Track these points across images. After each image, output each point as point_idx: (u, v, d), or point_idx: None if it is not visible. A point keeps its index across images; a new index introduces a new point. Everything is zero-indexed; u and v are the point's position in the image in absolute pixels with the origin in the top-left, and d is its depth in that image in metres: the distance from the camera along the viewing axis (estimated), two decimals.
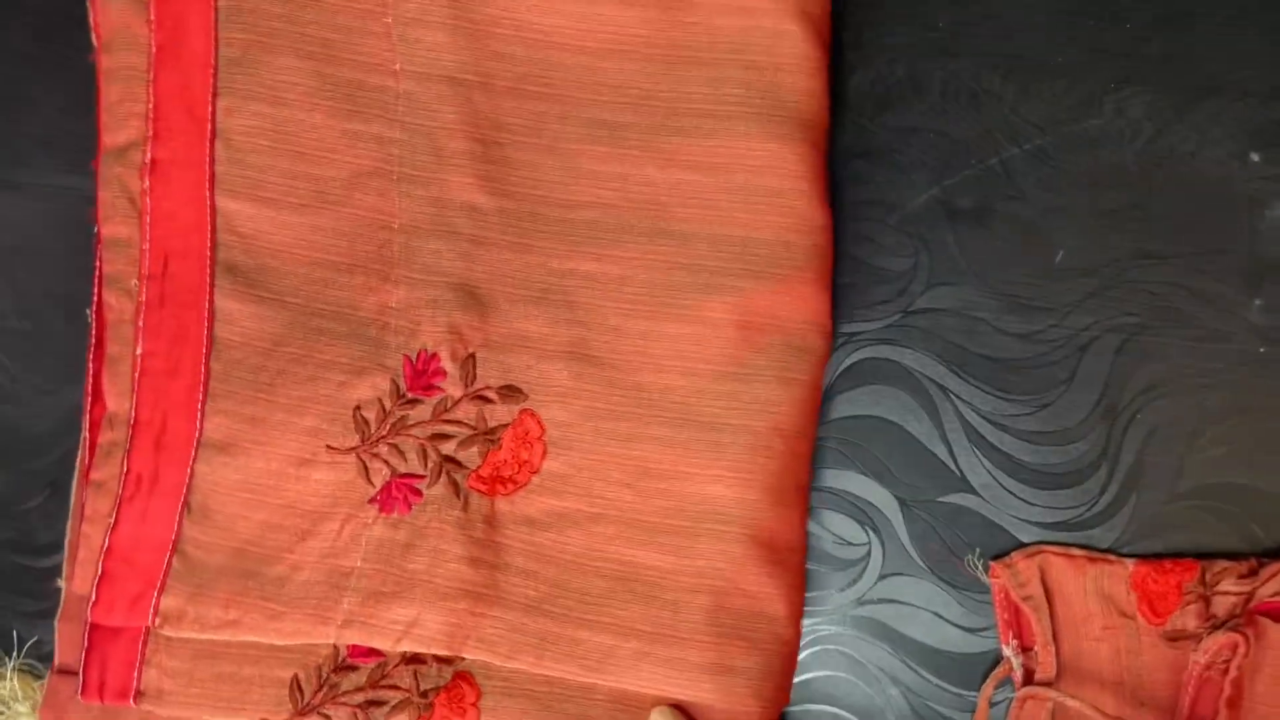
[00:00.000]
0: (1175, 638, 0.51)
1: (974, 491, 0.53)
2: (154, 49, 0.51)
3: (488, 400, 0.51)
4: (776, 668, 0.50)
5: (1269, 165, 0.52)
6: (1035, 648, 0.52)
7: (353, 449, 0.50)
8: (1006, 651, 0.52)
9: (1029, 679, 0.52)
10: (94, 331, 0.53)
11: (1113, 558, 0.52)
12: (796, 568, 0.51)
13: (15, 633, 0.56)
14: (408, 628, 0.50)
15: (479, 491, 0.51)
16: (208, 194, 0.50)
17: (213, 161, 0.50)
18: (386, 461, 0.51)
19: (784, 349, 0.50)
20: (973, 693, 0.53)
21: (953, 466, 0.53)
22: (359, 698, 0.50)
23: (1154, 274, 0.53)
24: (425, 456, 0.51)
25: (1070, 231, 0.53)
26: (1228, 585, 0.51)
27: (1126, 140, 0.53)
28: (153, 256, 0.50)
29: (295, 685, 0.50)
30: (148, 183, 0.51)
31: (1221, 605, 0.51)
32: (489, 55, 0.51)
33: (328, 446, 0.50)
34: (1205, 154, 0.53)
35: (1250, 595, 0.51)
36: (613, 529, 0.50)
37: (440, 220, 0.51)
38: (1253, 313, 0.52)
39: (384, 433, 0.50)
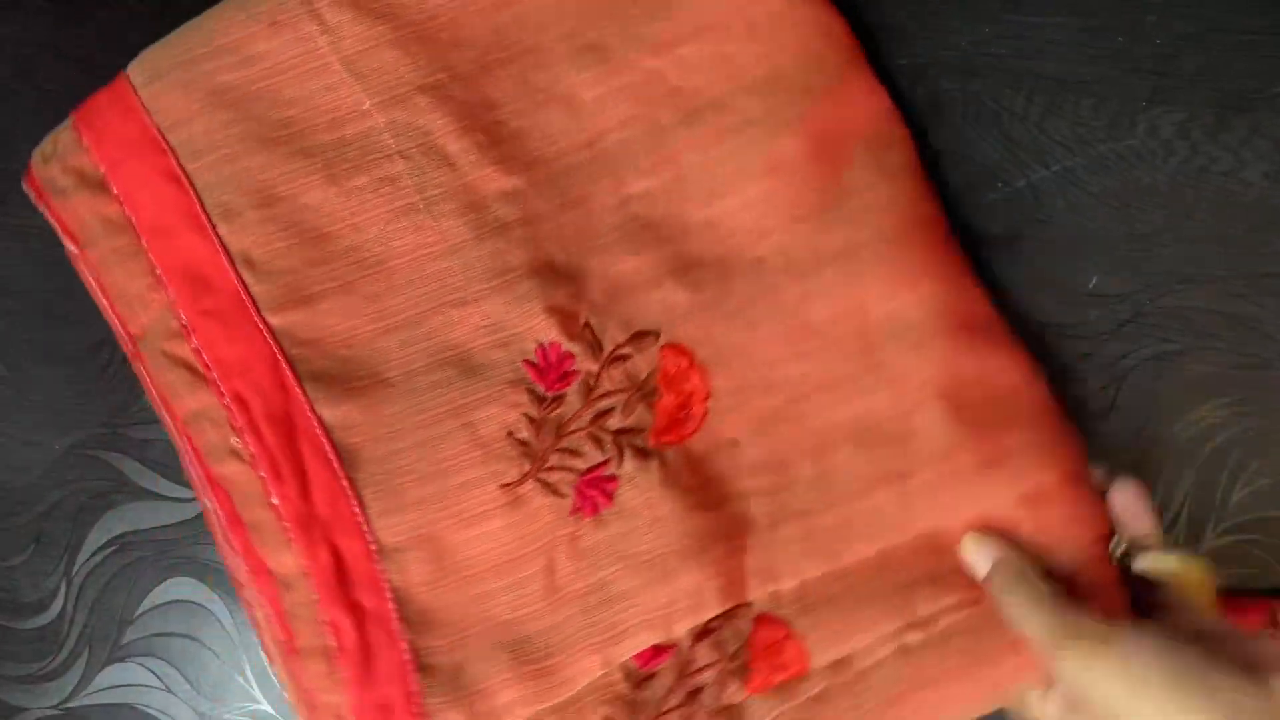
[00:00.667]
0: None
1: None
2: (134, 219, 0.48)
3: (625, 357, 0.48)
4: (1047, 426, 0.47)
5: None
6: None
7: (527, 475, 0.48)
8: None
9: None
10: (218, 507, 0.48)
11: None
12: (1001, 330, 0.49)
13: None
14: (676, 604, 0.47)
15: (667, 444, 0.48)
16: (258, 321, 0.48)
17: (245, 288, 0.48)
18: (565, 468, 0.48)
19: (867, 149, 0.49)
20: None
21: None
22: (676, 697, 0.47)
23: (1191, 299, 0.51)
24: (599, 442, 0.48)
25: (1102, 256, 0.51)
26: None
27: (1159, 160, 0.51)
28: (237, 407, 0.47)
29: None
30: (195, 342, 0.48)
31: None
32: (444, 49, 0.49)
33: (501, 486, 0.48)
34: (1240, 173, 0.51)
35: None
36: (811, 402, 0.48)
37: (483, 221, 0.48)
38: None
39: (547, 442, 0.48)
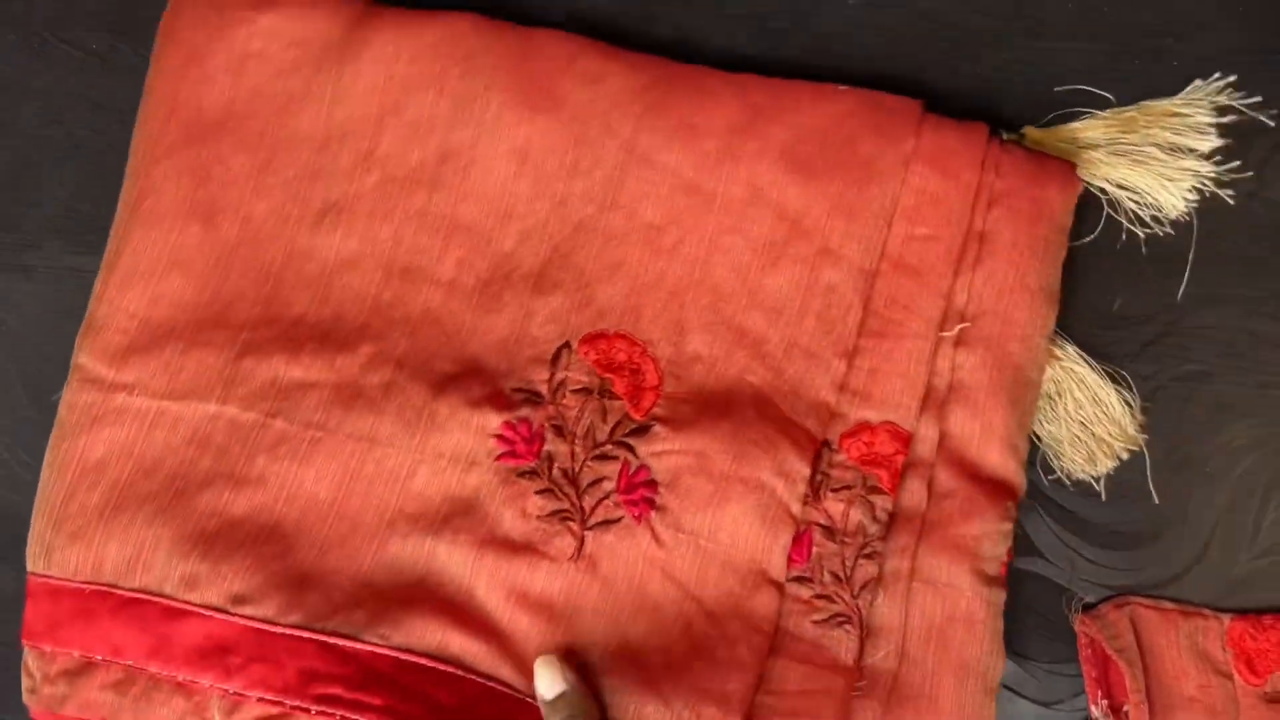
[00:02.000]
0: (1277, 699, 0.50)
1: (1040, 555, 0.51)
2: (131, 661, 0.50)
3: (562, 381, 0.51)
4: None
5: None
6: (1127, 706, 0.50)
7: (581, 536, 0.50)
8: (1095, 712, 0.51)
9: None
10: None
11: (1207, 612, 0.51)
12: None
13: None
14: (776, 495, 0.49)
15: (651, 406, 0.51)
16: (281, 632, 0.49)
17: (253, 620, 0.49)
18: (602, 496, 0.50)
19: (572, 82, 0.53)
20: None
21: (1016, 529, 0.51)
22: (850, 553, 0.49)
23: (1213, 318, 0.51)
24: (605, 457, 0.50)
25: (1125, 277, 0.51)
26: None
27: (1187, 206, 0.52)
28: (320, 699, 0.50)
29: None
30: (252, 693, 0.49)
31: None
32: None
33: (570, 560, 0.50)
34: (1261, 194, 0.51)
35: None
36: (709, 275, 0.51)
37: (367, 402, 0.52)
38: None
39: (572, 496, 0.50)
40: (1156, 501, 0.51)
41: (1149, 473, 0.51)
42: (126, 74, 0.57)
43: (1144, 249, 0.52)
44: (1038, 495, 0.51)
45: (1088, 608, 0.51)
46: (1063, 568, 0.51)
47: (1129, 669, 0.50)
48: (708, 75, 0.52)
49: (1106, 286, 0.52)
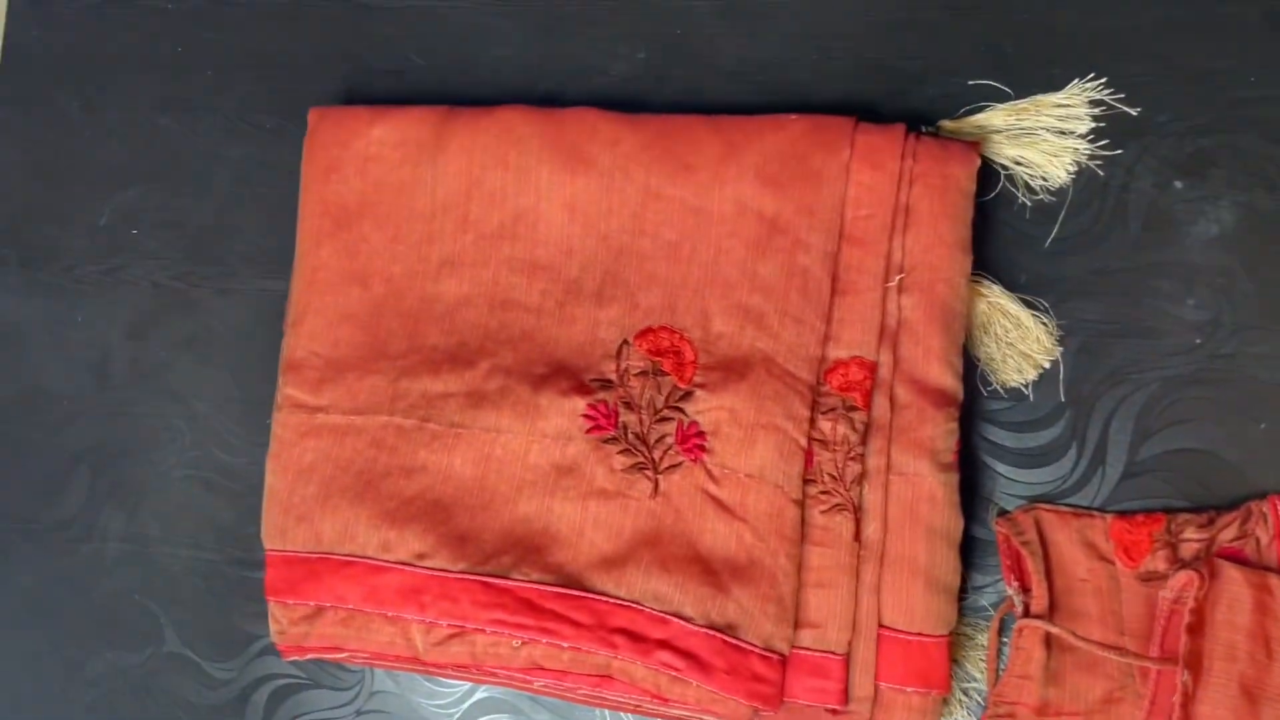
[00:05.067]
0: (1147, 578, 0.61)
1: (971, 475, 0.66)
2: (352, 605, 0.66)
3: (625, 370, 0.65)
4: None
5: (1190, 190, 0.64)
6: (1031, 587, 0.62)
7: (655, 481, 0.64)
8: (1009, 591, 0.63)
9: (1026, 613, 0.62)
10: None
11: (1094, 513, 0.63)
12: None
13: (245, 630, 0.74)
14: (794, 434, 0.63)
15: (690, 376, 0.64)
16: (456, 577, 0.64)
17: (432, 570, 0.64)
18: (665, 448, 0.64)
19: (601, 147, 0.67)
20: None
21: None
22: (853, 450, 0.63)
23: (1104, 286, 0.65)
24: (664, 420, 0.64)
25: (1030, 256, 0.66)
26: (1190, 534, 0.61)
27: (1069, 178, 0.65)
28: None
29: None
30: (442, 623, 0.64)
31: (1186, 551, 0.61)
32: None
33: (650, 498, 0.64)
34: (1136, 185, 0.65)
35: (1211, 541, 0.61)
36: (717, 273, 0.65)
37: (480, 395, 0.66)
38: (1187, 310, 0.64)
39: (643, 451, 0.64)
40: (1057, 430, 0.65)
41: (1051, 407, 0.65)
42: (291, 145, 0.71)
43: (1044, 236, 0.65)
44: (974, 425, 0.66)
45: (1004, 513, 0.65)
46: (988, 484, 0.65)
47: (1032, 558, 0.62)
48: (694, 124, 0.66)
49: (1012, 267, 0.65)
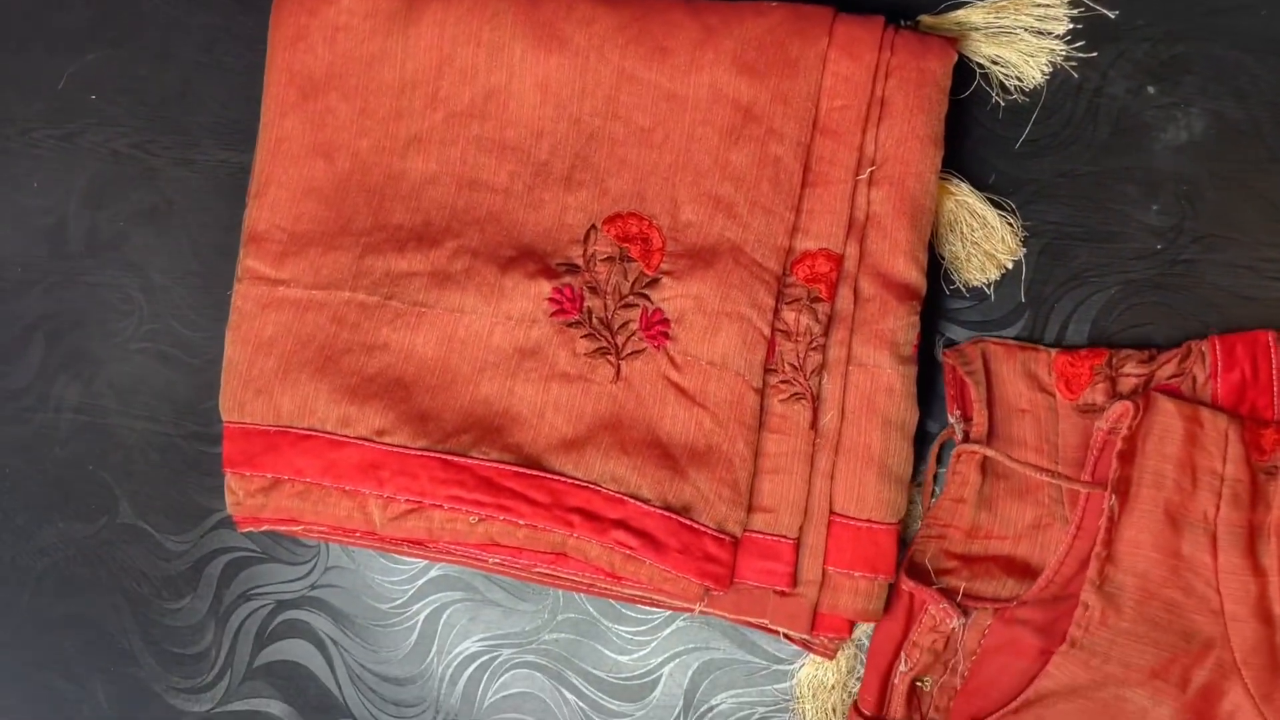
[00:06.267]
0: (1086, 410, 0.63)
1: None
2: (321, 480, 0.65)
3: (592, 254, 0.65)
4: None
5: (1162, 96, 0.64)
6: (973, 415, 0.64)
7: (618, 364, 0.64)
8: (951, 419, 0.65)
9: (965, 439, 0.64)
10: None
11: (1039, 347, 0.65)
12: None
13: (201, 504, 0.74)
14: (761, 312, 0.63)
15: (657, 264, 0.64)
16: (417, 454, 0.64)
17: (402, 448, 0.64)
18: (629, 334, 0.64)
19: (571, 25, 0.66)
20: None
21: None
22: (816, 337, 0.63)
23: (1070, 189, 0.65)
24: (629, 306, 0.64)
25: (1000, 156, 0.66)
26: (1130, 369, 0.62)
27: (1044, 79, 0.65)
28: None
29: None
30: (401, 497, 0.64)
31: (1125, 385, 0.63)
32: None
33: (611, 383, 0.64)
34: (1108, 89, 0.65)
35: (1149, 377, 0.62)
36: (688, 155, 0.65)
37: (446, 276, 0.66)
38: (1150, 216, 0.64)
39: (607, 336, 0.64)
40: (1017, 330, 0.66)
41: (1011, 306, 0.66)
42: (257, 13, 0.70)
43: (1015, 137, 0.66)
44: (934, 323, 0.65)
45: (951, 344, 0.66)
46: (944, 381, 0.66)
47: (975, 388, 0.63)
48: (672, 6, 0.65)
49: (983, 166, 0.66)
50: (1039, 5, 0.64)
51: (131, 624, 0.74)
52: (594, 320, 0.64)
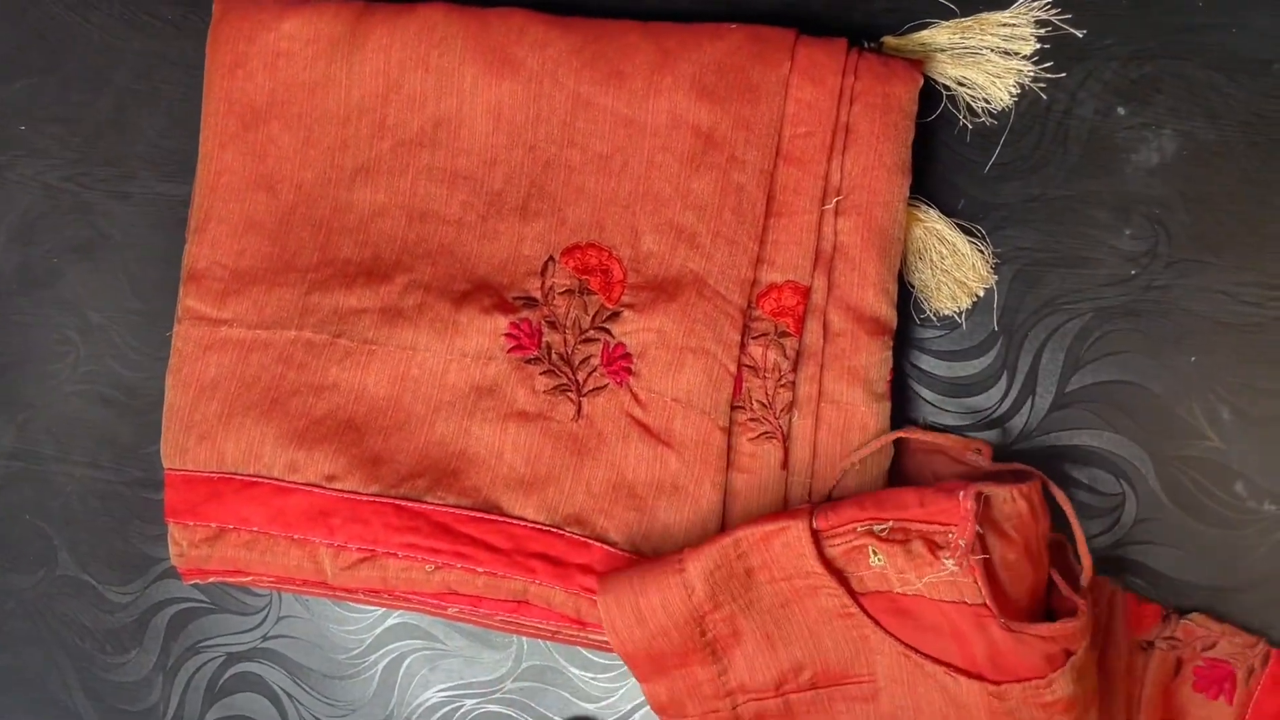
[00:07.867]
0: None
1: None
2: (257, 528, 0.63)
3: (551, 288, 0.62)
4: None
5: (1133, 117, 0.63)
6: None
7: (579, 402, 0.62)
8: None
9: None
10: None
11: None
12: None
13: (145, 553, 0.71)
14: (729, 349, 0.61)
15: (618, 296, 0.62)
16: (368, 500, 0.61)
17: (350, 494, 0.62)
18: (590, 369, 0.62)
19: (528, 49, 0.63)
20: None
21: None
22: (785, 371, 0.61)
23: (1041, 214, 0.63)
24: (590, 340, 0.62)
25: (969, 181, 0.64)
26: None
27: (1012, 101, 0.63)
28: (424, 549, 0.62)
29: None
30: (352, 547, 0.62)
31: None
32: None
33: (572, 420, 0.62)
34: (1078, 111, 0.63)
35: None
36: (647, 185, 0.62)
37: (398, 314, 0.63)
38: (1123, 241, 0.63)
39: (568, 373, 0.62)
40: (988, 360, 0.64)
41: (983, 336, 0.64)
42: (194, 38, 0.68)
43: (983, 160, 0.64)
44: (904, 352, 0.64)
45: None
46: (917, 413, 0.65)
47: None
48: (628, 29, 0.62)
49: (953, 194, 0.64)
50: (1005, 25, 0.62)
51: (74, 680, 0.71)
52: (553, 356, 0.62)
